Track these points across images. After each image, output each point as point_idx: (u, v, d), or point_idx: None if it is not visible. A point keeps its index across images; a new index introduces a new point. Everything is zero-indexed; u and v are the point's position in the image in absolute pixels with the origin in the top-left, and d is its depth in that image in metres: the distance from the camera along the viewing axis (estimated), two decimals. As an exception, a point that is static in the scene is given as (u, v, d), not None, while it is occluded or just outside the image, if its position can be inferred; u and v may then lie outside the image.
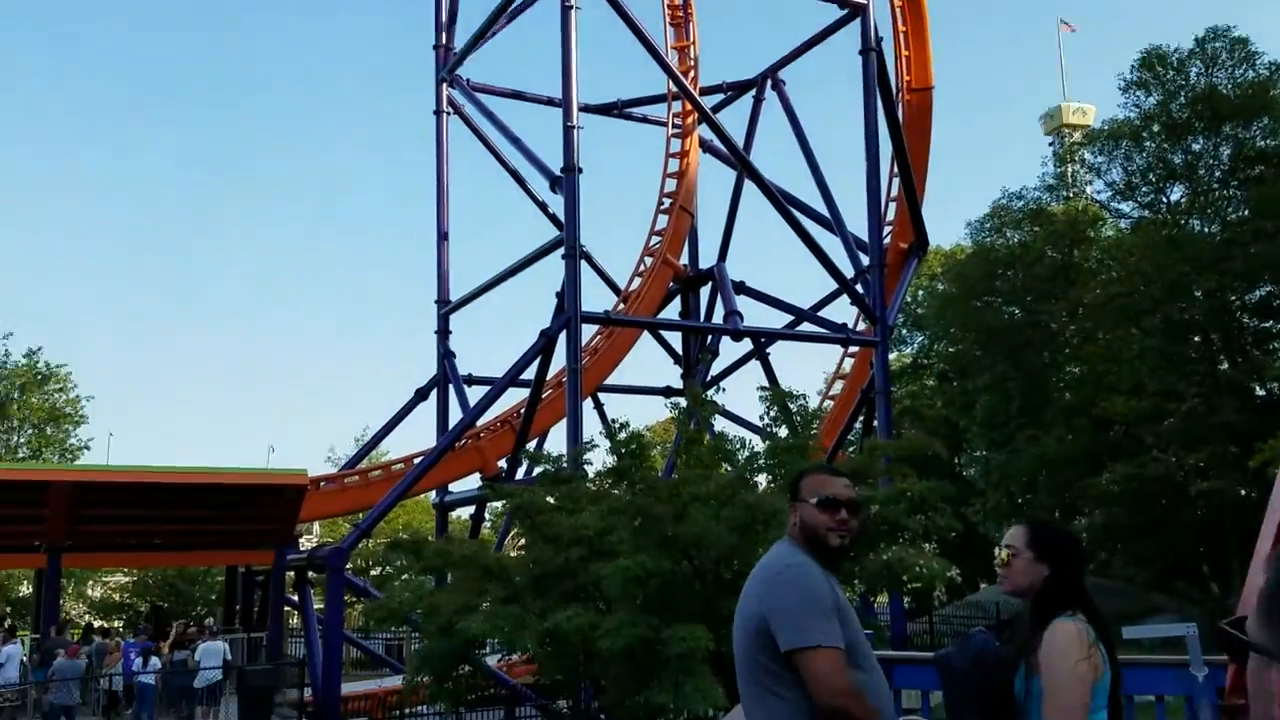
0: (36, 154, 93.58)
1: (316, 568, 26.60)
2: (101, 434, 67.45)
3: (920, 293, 41.07)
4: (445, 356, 34.71)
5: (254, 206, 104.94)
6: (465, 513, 35.15)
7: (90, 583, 40.67)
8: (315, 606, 27.64)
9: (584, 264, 28.57)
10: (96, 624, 31.57)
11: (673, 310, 35.92)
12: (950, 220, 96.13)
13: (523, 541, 17.21)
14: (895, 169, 33.16)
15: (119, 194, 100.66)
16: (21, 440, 37.20)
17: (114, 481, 23.90)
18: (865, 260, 30.90)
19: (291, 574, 27.59)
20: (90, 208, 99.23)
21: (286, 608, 28.19)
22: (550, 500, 15.02)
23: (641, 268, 34.80)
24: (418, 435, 56.00)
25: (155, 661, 20.73)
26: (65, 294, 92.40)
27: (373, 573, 38.79)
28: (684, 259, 35.74)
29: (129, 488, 23.62)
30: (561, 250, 26.43)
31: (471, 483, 31.65)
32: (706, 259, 36.41)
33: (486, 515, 32.12)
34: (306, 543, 33.07)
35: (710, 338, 34.87)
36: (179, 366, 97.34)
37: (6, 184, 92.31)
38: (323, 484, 31.01)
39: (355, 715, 24.91)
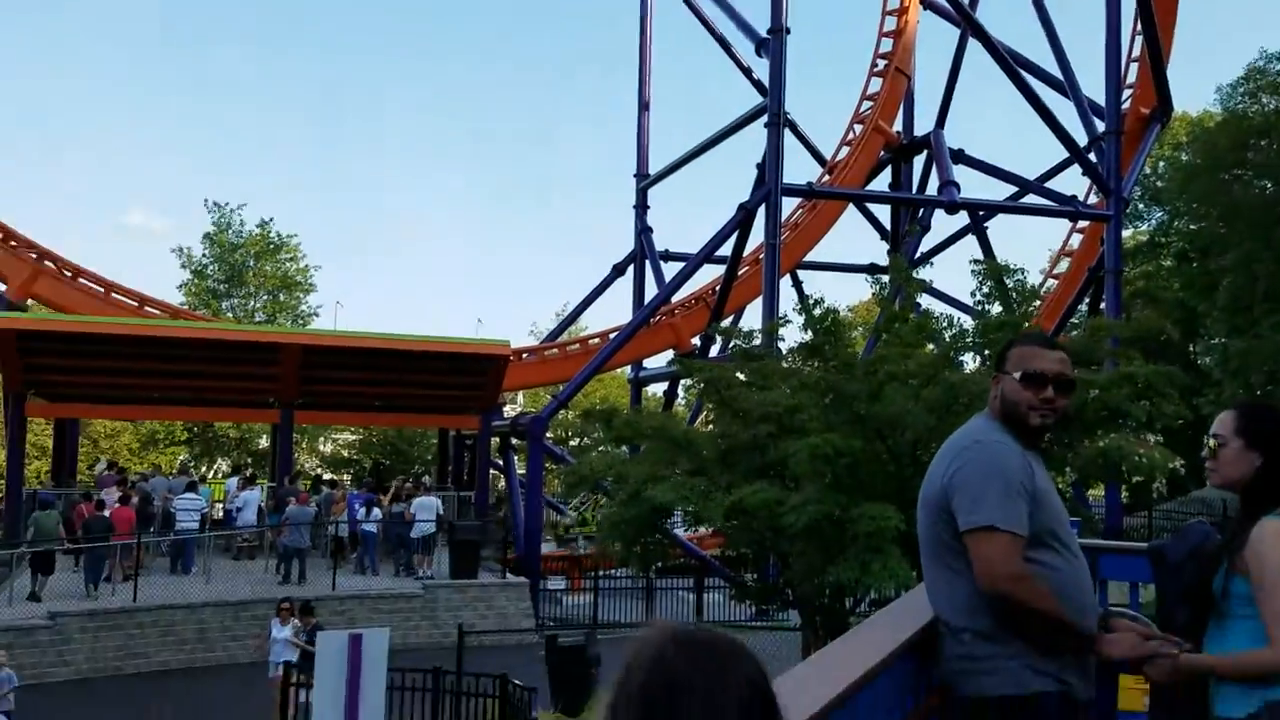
0: (262, 19, 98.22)
1: (519, 434, 27.72)
2: (329, 302, 72.39)
3: (1161, 164, 37.33)
4: (642, 232, 34.71)
5: (456, 72, 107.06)
6: (660, 389, 35.57)
7: (320, 439, 44.23)
8: (518, 471, 28.95)
9: (787, 133, 27.55)
10: (325, 476, 34.32)
11: (882, 181, 34.27)
12: (1198, 84, 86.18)
13: (712, 417, 17.12)
14: (1138, 26, 29.88)
15: (340, 64, 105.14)
16: (258, 305, 40.29)
17: (338, 345, 25.50)
18: (1100, 126, 28.27)
19: (496, 439, 28.91)
20: (312, 80, 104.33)
21: (492, 470, 29.67)
22: (741, 376, 14.74)
23: (850, 136, 33.22)
24: (615, 310, 56.82)
25: (376, 512, 22.30)
26: (294, 166, 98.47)
27: (571, 443, 40.21)
28: (897, 126, 33.83)
29: (352, 351, 25.16)
30: (764, 118, 25.51)
31: (666, 359, 31.88)
32: (922, 126, 34.29)
33: (680, 392, 32.33)
34: (510, 411, 34.49)
35: (922, 211, 33.13)
36: (397, 241, 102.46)
37: (242, 58, 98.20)
38: (525, 356, 32.09)
39: (554, 574, 26.16)
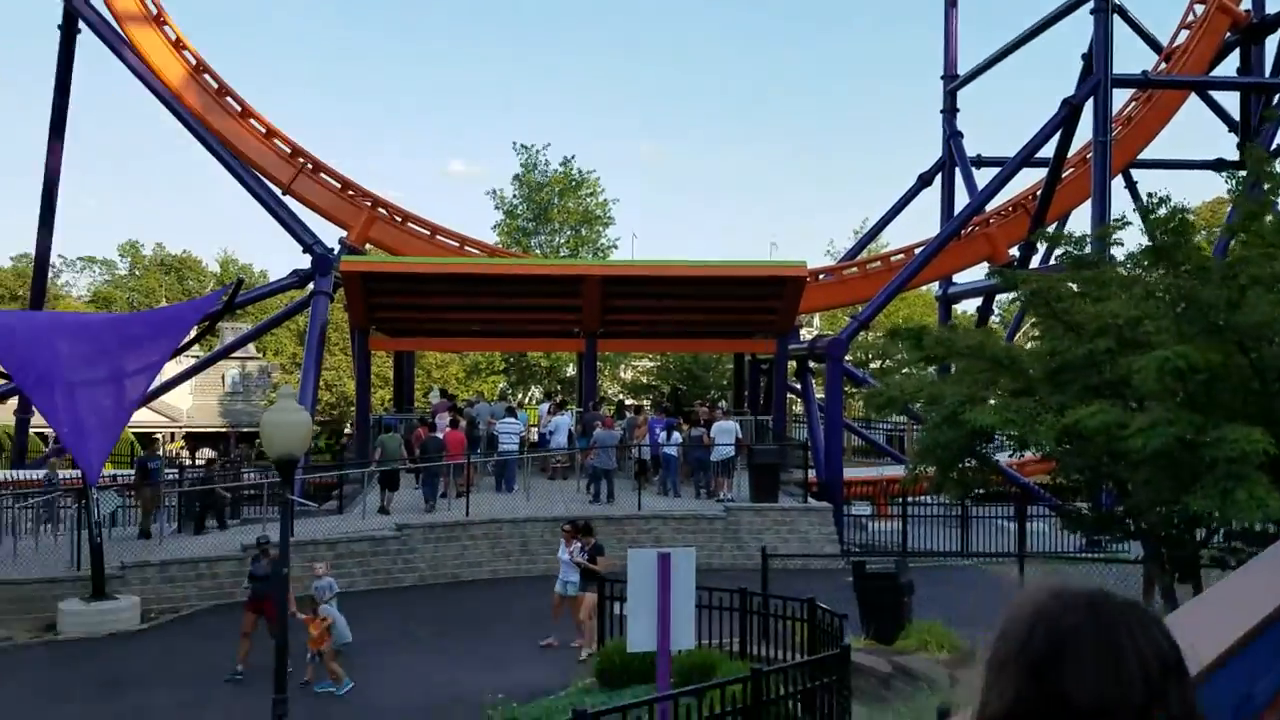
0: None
1: (816, 357, 27.12)
2: (626, 234, 74.72)
3: None
4: (951, 137, 32.67)
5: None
6: (970, 306, 33.60)
7: (621, 366, 45.84)
8: (816, 395, 28.42)
9: (1116, 19, 24.74)
10: (628, 402, 35.49)
11: (1228, 66, 29.99)
12: None
13: (1036, 333, 15.70)
14: None
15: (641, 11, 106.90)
16: (561, 241, 42.03)
17: (637, 274, 25.99)
18: None
19: (793, 363, 28.49)
20: (609, 25, 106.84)
21: (790, 394, 29.32)
22: (1073, 287, 13.29)
23: (1190, 18, 29.32)
24: (920, 224, 53.93)
25: (677, 436, 22.66)
26: (591, 105, 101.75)
27: (872, 365, 38.96)
28: (1245, 3, 29.41)
29: (650, 280, 25.57)
30: (1090, 4, 22.97)
31: (978, 273, 29.95)
32: (1275, 2, 29.63)
33: (995, 308, 30.31)
34: (806, 334, 33.91)
35: (1279, 97, 28.75)
36: (688, 171, 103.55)
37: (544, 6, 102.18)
38: (821, 276, 31.28)
39: (857, 499, 25.57)
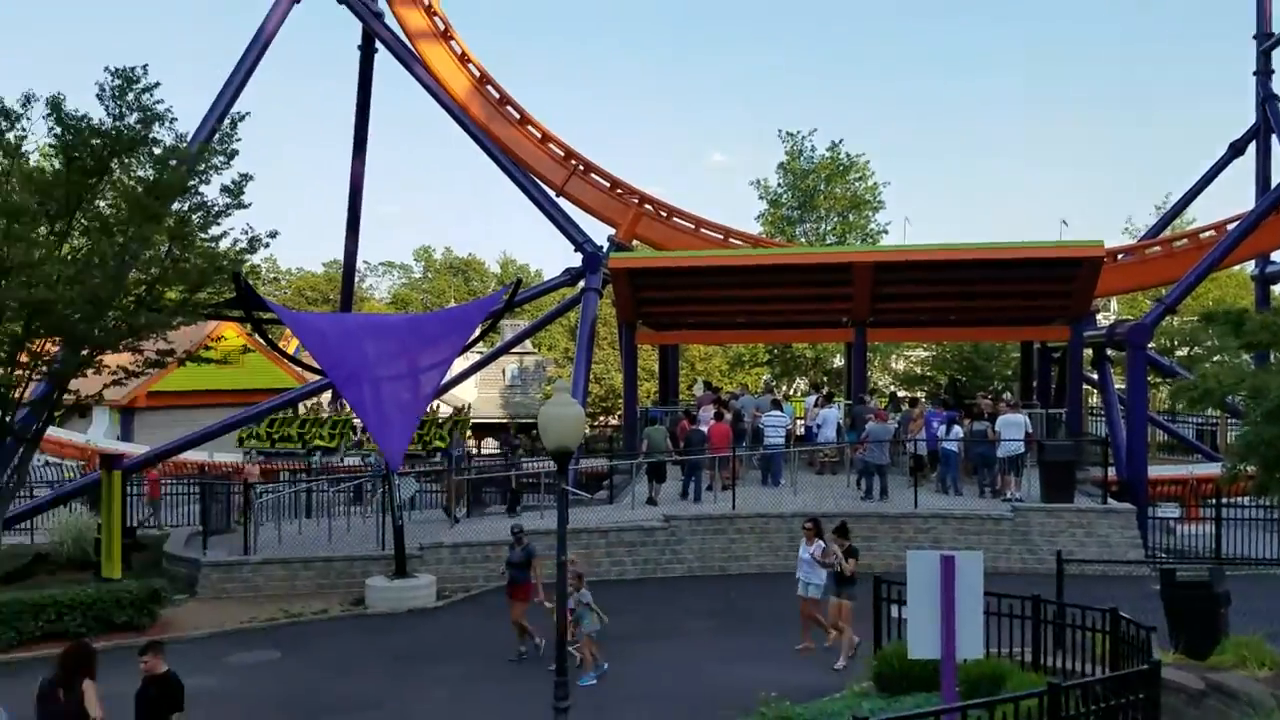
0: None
1: (1116, 345, 24.86)
2: (898, 219, 72.26)
3: None
4: (1266, 100, 29.39)
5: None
6: (1296, 285, 29.76)
7: (893, 356, 44.23)
8: (1115, 386, 26.06)
9: None
10: (900, 394, 34.16)
11: None
12: None
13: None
14: None
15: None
16: (828, 228, 41.16)
17: (910, 260, 24.88)
18: None
19: (1089, 351, 26.28)
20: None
21: (1085, 385, 27.08)
22: None
23: None
24: (1232, 197, 48.64)
25: (958, 430, 21.45)
26: (858, 87, 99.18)
27: (1178, 353, 35.34)
28: None
29: (924, 265, 24.39)
30: None
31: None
32: None
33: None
34: (1103, 319, 31.25)
35: None
36: (959, 151, 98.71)
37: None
38: (1120, 257, 28.69)
39: (1164, 500, 23.20)
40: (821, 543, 13.98)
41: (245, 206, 18.53)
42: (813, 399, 25.56)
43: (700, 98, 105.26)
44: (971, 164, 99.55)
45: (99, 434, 34.38)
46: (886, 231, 41.59)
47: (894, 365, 45.36)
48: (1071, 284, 23.25)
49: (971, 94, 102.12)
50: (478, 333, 21.27)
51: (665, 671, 13.62)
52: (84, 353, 17.52)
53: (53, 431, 31.90)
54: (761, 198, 42.48)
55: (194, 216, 18.13)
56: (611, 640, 14.00)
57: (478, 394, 57.73)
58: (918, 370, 43.32)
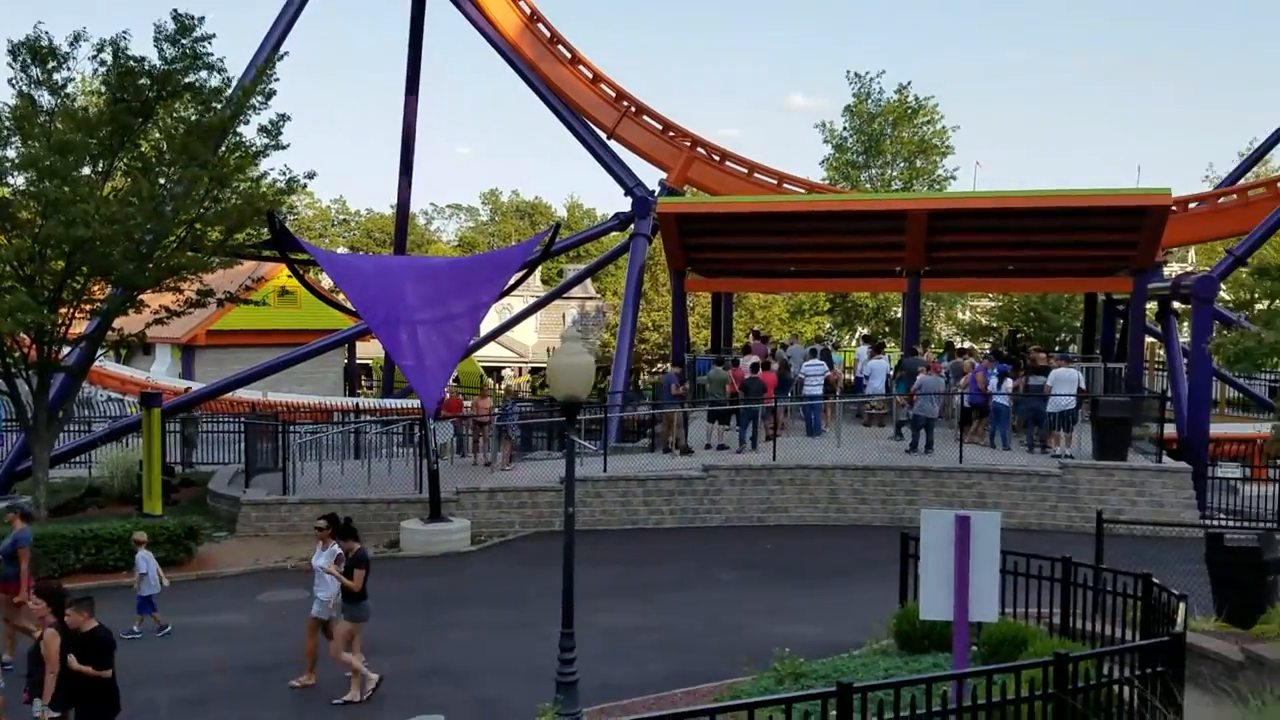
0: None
1: (1182, 297, 23.75)
2: (968, 164, 69.91)
3: None
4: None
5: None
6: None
7: (959, 306, 43.11)
8: (1181, 340, 24.95)
9: None
10: (961, 344, 33.23)
11: None
12: None
13: None
14: None
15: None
16: (894, 174, 40.00)
17: (966, 208, 24.00)
18: None
19: (1154, 304, 25.16)
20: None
21: (1149, 339, 25.98)
22: None
23: None
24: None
25: (1009, 383, 20.76)
26: (928, 27, 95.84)
27: (1257, 307, 33.72)
28: None
29: (980, 213, 23.52)
30: None
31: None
32: None
33: None
34: (1178, 268, 29.90)
35: None
36: (1037, 94, 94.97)
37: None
38: (1192, 206, 27.31)
39: (1227, 459, 22.23)
40: (337, 547, 11.38)
41: (284, 147, 18.54)
42: (865, 349, 24.97)
43: (782, 35, 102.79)
44: (1053, 105, 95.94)
45: (161, 371, 35.24)
46: (955, 177, 40.38)
47: (960, 315, 44.25)
48: (1137, 234, 22.18)
49: (1059, 35, 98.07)
50: (515, 279, 21.09)
51: (691, 619, 13.48)
52: (125, 292, 17.78)
53: (116, 368, 32.88)
54: (826, 142, 41.47)
55: (232, 157, 18.17)
56: (643, 588, 13.89)
57: (537, 338, 58.01)
58: (983, 320, 42.19)
